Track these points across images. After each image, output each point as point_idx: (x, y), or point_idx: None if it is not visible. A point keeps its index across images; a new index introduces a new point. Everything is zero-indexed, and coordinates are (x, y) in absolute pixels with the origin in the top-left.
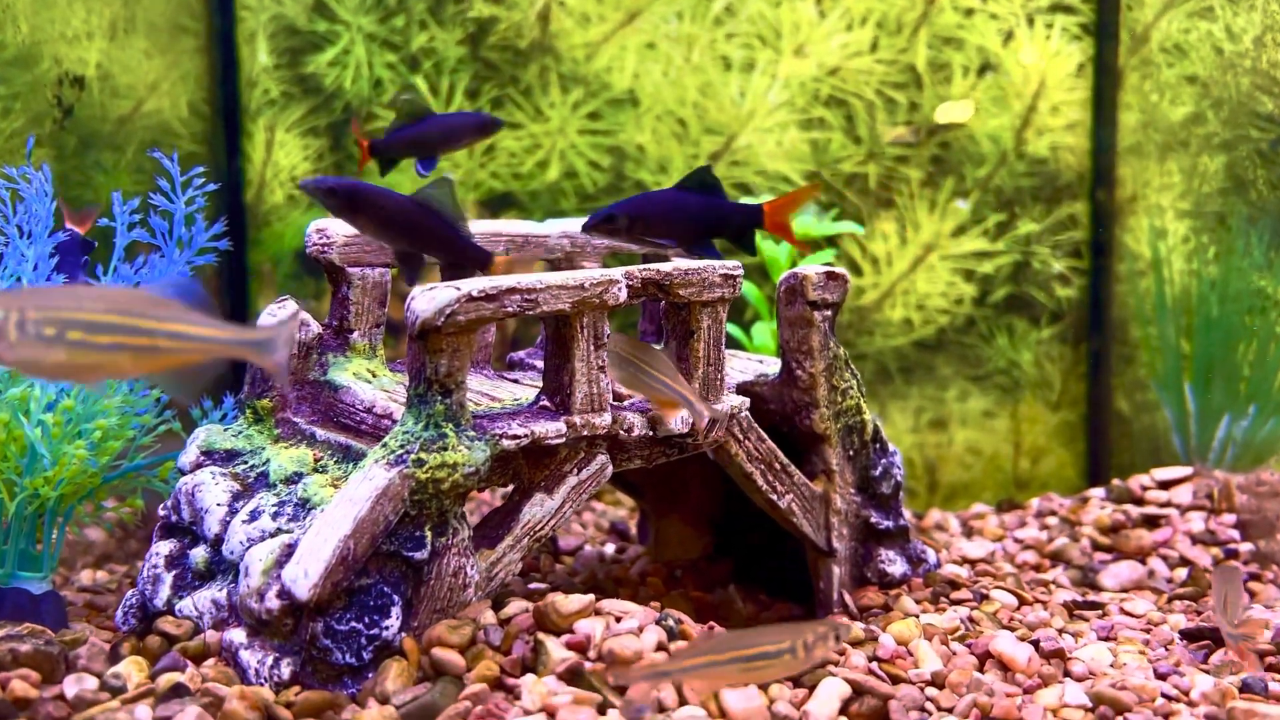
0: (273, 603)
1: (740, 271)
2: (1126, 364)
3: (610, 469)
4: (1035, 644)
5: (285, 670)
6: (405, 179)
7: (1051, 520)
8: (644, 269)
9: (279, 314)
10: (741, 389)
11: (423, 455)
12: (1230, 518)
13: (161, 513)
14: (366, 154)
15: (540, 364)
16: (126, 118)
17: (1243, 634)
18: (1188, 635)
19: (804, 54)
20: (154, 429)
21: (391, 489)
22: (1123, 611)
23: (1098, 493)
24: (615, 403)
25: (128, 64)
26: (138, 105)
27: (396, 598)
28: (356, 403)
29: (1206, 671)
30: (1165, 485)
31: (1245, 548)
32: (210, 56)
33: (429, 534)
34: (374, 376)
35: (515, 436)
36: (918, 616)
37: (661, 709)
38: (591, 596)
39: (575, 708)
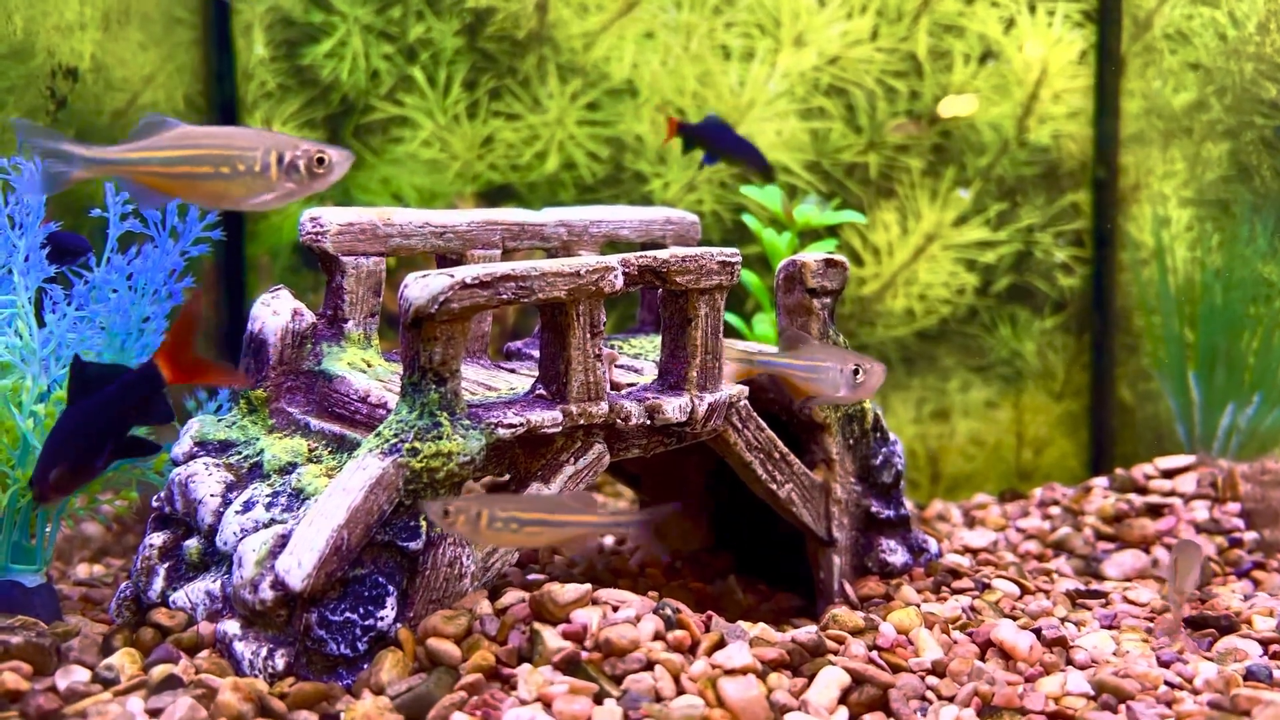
0: (266, 593)
1: (738, 259)
2: (1130, 353)
3: (607, 458)
4: (1037, 632)
5: (279, 661)
6: None
7: (1054, 510)
8: (640, 256)
9: (273, 303)
10: None
11: (417, 444)
12: (1235, 506)
13: (155, 504)
14: (673, 130)
15: (537, 353)
16: (121, 111)
17: (1175, 601)
18: (1191, 623)
19: (804, 43)
20: None
21: (385, 478)
22: (1126, 600)
23: (1101, 482)
24: (612, 391)
25: (122, 56)
26: (133, 98)
27: (391, 588)
28: (351, 392)
29: (1210, 659)
30: (1169, 474)
31: (1250, 536)
32: (206, 49)
33: (424, 524)
34: (369, 366)
35: (511, 425)
36: (919, 606)
37: (658, 698)
38: (588, 586)
39: (571, 697)
